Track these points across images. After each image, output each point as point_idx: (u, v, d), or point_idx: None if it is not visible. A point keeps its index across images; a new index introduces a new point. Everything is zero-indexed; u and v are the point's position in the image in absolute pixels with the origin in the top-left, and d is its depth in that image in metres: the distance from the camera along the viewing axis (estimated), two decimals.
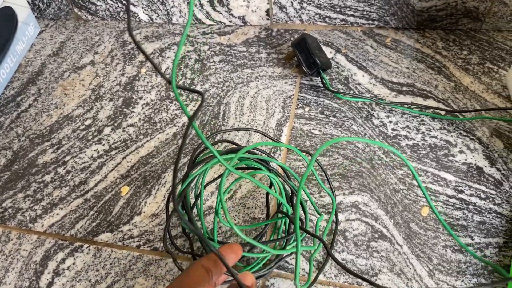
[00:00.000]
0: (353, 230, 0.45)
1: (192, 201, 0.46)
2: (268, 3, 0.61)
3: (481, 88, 0.54)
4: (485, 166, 0.48)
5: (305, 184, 0.48)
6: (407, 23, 0.61)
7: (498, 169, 0.47)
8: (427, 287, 0.40)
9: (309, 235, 0.43)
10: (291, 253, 0.43)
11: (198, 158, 0.43)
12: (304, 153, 0.48)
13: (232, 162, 0.38)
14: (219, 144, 0.52)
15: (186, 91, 0.57)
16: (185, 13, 0.63)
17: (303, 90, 0.57)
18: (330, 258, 0.43)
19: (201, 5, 0.62)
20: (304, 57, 0.55)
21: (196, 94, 0.57)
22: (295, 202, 0.44)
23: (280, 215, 0.43)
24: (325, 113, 0.54)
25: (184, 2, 0.62)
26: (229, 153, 0.42)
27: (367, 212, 0.46)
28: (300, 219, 0.45)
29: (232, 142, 0.48)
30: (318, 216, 0.45)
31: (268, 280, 0.43)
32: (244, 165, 0.45)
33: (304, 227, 0.43)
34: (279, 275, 0.43)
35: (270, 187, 0.45)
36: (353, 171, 0.49)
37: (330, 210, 0.46)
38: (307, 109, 0.55)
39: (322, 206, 0.47)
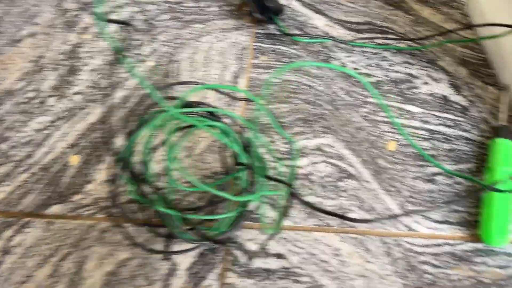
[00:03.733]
0: (319, 172, 0.42)
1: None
2: None
3: (442, 19, 0.52)
4: (451, 94, 0.46)
5: (266, 133, 0.45)
6: None
7: (464, 96, 0.45)
8: (395, 215, 0.38)
9: (272, 184, 0.41)
10: (256, 206, 0.41)
11: (145, 116, 0.39)
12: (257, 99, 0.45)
13: (178, 114, 0.35)
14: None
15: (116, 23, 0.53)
16: None
17: (258, 39, 0.53)
18: (293, 202, 0.41)
19: None
20: (254, 3, 0.52)
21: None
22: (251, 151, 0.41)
23: (239, 167, 0.41)
24: (282, 60, 0.51)
25: None
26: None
27: (332, 153, 0.43)
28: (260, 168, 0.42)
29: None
30: (278, 162, 0.43)
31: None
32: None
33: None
34: (243, 226, 0.40)
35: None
36: (316, 115, 0.46)
37: (290, 157, 0.44)
38: (263, 58, 0.52)
39: (285, 152, 0.44)
